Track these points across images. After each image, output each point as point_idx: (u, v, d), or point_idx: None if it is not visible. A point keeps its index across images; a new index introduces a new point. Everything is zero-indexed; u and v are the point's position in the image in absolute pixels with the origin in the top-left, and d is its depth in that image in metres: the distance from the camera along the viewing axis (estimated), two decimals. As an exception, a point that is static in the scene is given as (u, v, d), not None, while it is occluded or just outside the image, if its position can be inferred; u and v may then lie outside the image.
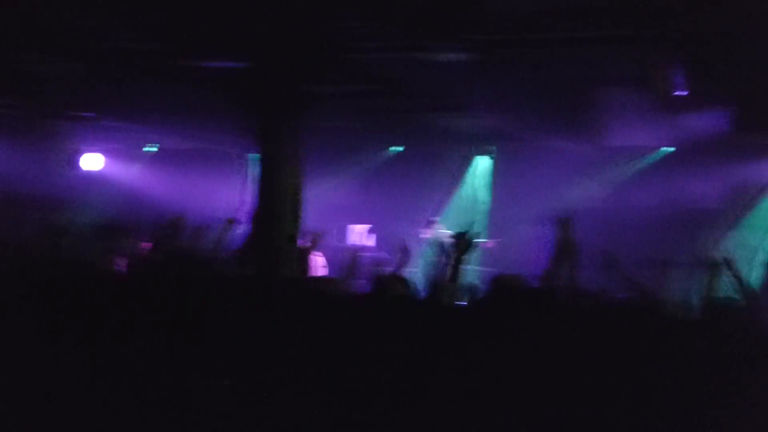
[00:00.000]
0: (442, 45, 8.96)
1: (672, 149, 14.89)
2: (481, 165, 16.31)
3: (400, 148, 16.63)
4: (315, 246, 11.38)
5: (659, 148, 14.98)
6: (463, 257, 5.73)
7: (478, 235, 6.11)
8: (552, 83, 12.84)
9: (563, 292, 5.53)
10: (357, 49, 9.22)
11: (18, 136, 14.23)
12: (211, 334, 4.91)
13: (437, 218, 15.09)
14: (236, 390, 4.90)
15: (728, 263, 6.40)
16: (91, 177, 16.43)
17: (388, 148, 16.68)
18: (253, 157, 9.84)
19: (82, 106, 13.91)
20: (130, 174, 16.91)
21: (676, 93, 10.56)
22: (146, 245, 7.03)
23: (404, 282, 5.83)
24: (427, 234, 14.62)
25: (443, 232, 14.11)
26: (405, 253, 8.47)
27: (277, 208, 9.21)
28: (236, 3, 8.68)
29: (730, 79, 10.41)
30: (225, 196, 14.17)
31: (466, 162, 16.37)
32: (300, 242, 9.72)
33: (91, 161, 16.54)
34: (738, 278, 6.23)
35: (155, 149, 17.18)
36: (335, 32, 8.84)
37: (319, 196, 15.64)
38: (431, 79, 11.11)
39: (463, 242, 5.77)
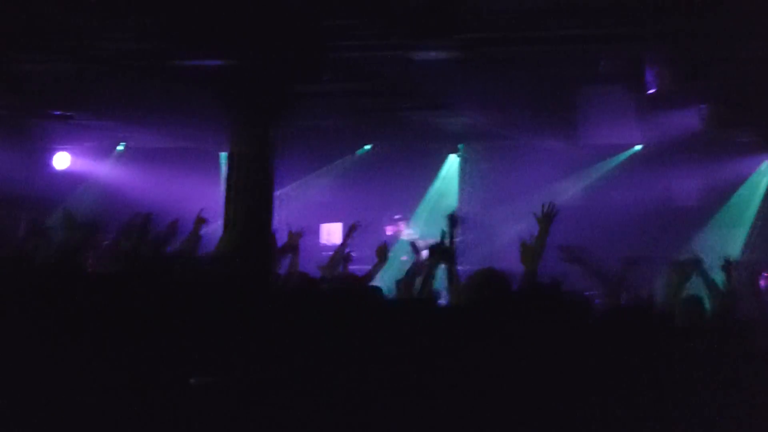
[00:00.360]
0: (423, 43, 8.98)
1: (646, 147, 14.94)
2: (454, 163, 16.34)
3: (377, 146, 16.62)
4: (291, 245, 11.33)
5: (633, 145, 15.05)
6: (436, 266, 5.72)
7: (447, 237, 6.12)
8: (529, 81, 12.86)
9: (532, 288, 5.54)
10: (337, 47, 9.22)
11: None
12: (179, 335, 4.88)
13: (402, 217, 15.09)
14: (208, 391, 4.88)
15: (696, 262, 6.46)
16: (64, 176, 16.33)
17: (364, 146, 16.67)
18: (227, 155, 9.83)
19: (56, 105, 13.83)
20: (104, 172, 16.82)
21: (651, 91, 10.62)
22: (112, 239, 7.01)
23: (364, 282, 5.84)
24: (391, 232, 14.64)
25: (410, 231, 14.13)
26: (381, 256, 8.50)
27: (249, 207, 9.20)
28: (215, 0, 8.66)
29: (704, 76, 10.48)
30: (198, 194, 14.11)
31: (439, 160, 16.40)
32: (275, 241, 9.69)
33: (64, 160, 16.46)
34: (705, 277, 6.29)
35: (129, 147, 17.11)
36: (316, 30, 8.83)
37: (293, 194, 15.66)
38: (411, 77, 11.12)
39: (438, 253, 5.76)
